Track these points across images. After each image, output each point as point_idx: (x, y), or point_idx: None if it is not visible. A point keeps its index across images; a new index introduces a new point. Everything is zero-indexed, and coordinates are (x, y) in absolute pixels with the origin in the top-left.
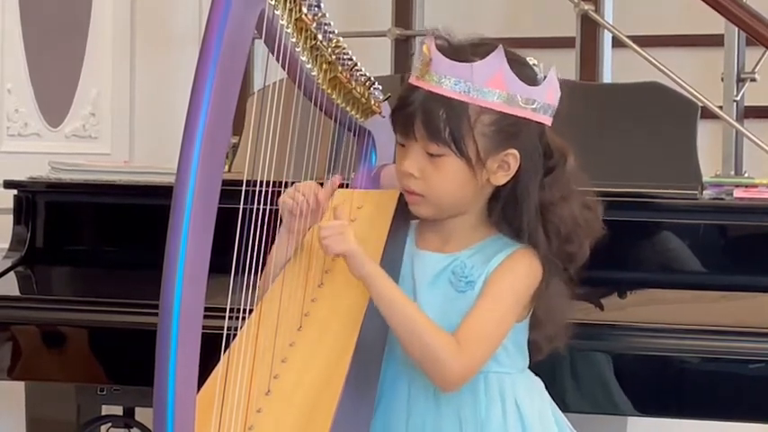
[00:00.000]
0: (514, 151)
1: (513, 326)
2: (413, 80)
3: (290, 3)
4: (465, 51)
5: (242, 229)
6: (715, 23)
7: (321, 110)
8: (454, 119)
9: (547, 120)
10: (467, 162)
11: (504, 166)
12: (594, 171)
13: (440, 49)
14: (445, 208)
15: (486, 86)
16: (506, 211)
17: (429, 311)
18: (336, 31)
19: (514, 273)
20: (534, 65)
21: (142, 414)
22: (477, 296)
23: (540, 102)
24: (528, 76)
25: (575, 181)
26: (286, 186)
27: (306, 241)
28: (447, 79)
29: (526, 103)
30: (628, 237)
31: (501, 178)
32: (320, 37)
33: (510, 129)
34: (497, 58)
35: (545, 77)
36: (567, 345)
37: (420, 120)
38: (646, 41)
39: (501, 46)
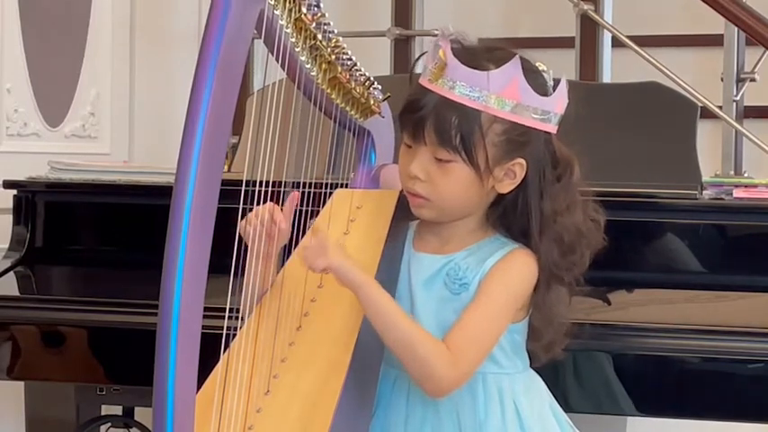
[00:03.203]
0: (522, 161)
1: (507, 328)
2: (424, 83)
3: (290, 3)
4: (480, 57)
5: None
6: (715, 23)
7: (320, 110)
8: (466, 126)
9: (553, 128)
10: (475, 170)
11: (511, 175)
12: (594, 171)
13: (455, 53)
14: (448, 212)
15: (501, 96)
16: (506, 217)
17: (424, 313)
18: (336, 31)
19: (508, 275)
20: (544, 71)
21: (141, 414)
22: (472, 298)
23: (549, 112)
24: (540, 85)
25: (580, 190)
26: (286, 186)
27: (305, 243)
28: (461, 86)
29: (536, 113)
30: (627, 237)
31: (506, 186)
32: (319, 37)
33: (519, 138)
34: (513, 68)
35: (554, 85)
36: (565, 349)
37: (431, 125)
38: (645, 41)
39: (518, 55)
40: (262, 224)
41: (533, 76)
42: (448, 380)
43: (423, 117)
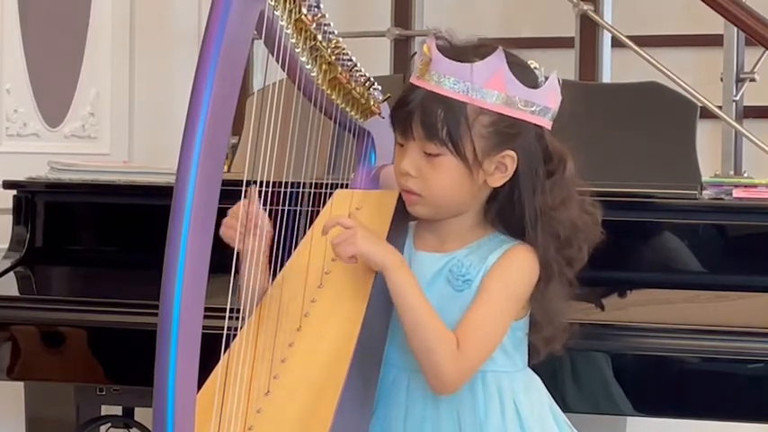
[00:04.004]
0: (512, 153)
1: (510, 325)
2: (413, 80)
3: (290, 3)
4: (465, 52)
5: None
6: (714, 23)
7: (321, 110)
8: (452, 118)
9: (546, 123)
10: (464, 162)
11: (502, 168)
12: (594, 171)
13: (440, 49)
14: (442, 208)
15: (485, 87)
16: (503, 213)
17: None
18: (336, 32)
19: (510, 271)
20: (535, 68)
21: (141, 414)
22: (474, 295)
23: (539, 104)
24: (528, 78)
25: (574, 185)
26: (286, 186)
27: (305, 243)
28: (446, 79)
29: (525, 106)
30: (627, 237)
31: (498, 180)
32: (320, 37)
33: (508, 130)
34: (497, 60)
35: (546, 80)
36: (565, 347)
37: (418, 119)
38: (645, 41)
39: (501, 48)
40: (242, 224)
41: (520, 69)
42: (448, 373)
43: (410, 112)
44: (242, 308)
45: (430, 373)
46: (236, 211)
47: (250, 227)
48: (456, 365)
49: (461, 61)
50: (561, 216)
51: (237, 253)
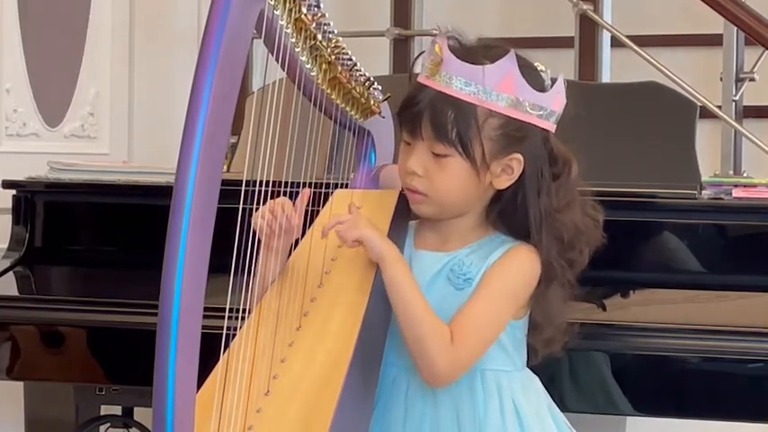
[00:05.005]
0: (519, 156)
1: (508, 323)
2: (422, 79)
3: (290, 3)
4: (476, 53)
5: (241, 229)
6: (714, 23)
7: (320, 110)
8: (462, 120)
9: (551, 126)
10: (471, 164)
11: (508, 170)
12: (594, 171)
13: (452, 49)
14: (447, 208)
15: (496, 90)
16: (505, 215)
17: None
18: (336, 31)
19: (510, 270)
20: (542, 70)
21: (141, 414)
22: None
23: (546, 108)
24: (537, 81)
25: (578, 188)
26: (286, 186)
27: (305, 242)
28: (457, 80)
29: (533, 109)
30: (627, 237)
31: (504, 182)
32: (319, 37)
33: (516, 133)
34: (509, 63)
35: (552, 83)
36: (564, 348)
37: (428, 119)
38: (645, 41)
39: (513, 51)
40: (275, 217)
41: (529, 72)
42: (441, 367)
43: (419, 112)
44: (256, 298)
45: (423, 366)
46: (274, 207)
47: (285, 225)
48: (449, 358)
49: (472, 63)
50: (565, 218)
51: (251, 247)
